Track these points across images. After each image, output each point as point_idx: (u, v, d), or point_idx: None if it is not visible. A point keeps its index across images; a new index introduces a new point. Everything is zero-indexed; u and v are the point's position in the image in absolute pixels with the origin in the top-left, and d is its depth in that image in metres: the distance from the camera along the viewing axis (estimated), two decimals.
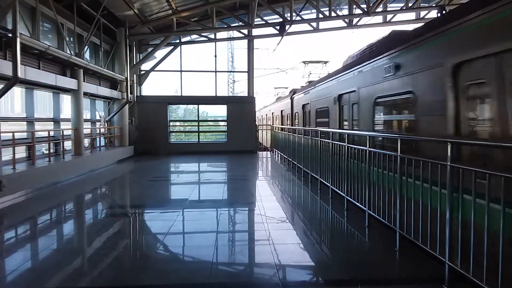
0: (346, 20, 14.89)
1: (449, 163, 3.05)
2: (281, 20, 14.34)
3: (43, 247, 4.61)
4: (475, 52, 3.48)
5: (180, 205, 6.75)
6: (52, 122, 10.92)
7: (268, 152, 17.71)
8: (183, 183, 9.77)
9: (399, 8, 15.28)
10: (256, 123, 18.40)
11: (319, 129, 8.17)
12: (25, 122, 9.58)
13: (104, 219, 6.21)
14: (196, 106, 17.57)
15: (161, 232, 4.98)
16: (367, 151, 4.87)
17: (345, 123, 8.03)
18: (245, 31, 16.28)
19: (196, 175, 11.46)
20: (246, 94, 17.42)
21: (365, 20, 14.67)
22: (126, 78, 14.59)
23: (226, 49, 18.94)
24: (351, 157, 5.60)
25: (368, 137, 4.94)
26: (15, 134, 7.91)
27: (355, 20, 14.81)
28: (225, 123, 17.26)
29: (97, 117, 13.98)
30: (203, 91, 17.23)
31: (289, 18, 14.15)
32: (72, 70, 10.94)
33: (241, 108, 16.88)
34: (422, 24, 5.96)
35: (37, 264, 4.03)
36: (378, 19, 15.65)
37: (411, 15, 15.97)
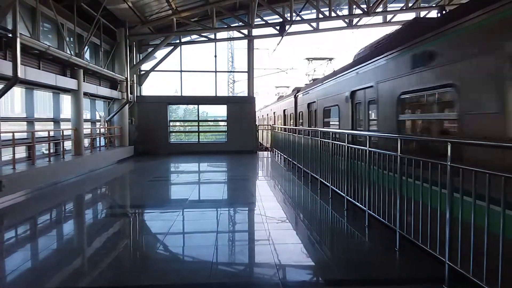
0: (346, 20, 14.89)
1: (449, 163, 3.05)
2: (281, 20, 14.34)
3: (43, 247, 4.61)
4: None
5: (180, 205, 6.75)
6: (52, 122, 10.91)
7: (268, 152, 17.70)
8: (183, 183, 9.77)
9: (399, 8, 15.28)
10: (257, 123, 18.38)
11: (319, 129, 8.17)
12: (25, 122, 9.58)
13: (104, 219, 6.21)
14: (196, 106, 17.57)
15: (161, 232, 4.98)
16: (367, 151, 4.87)
17: (360, 123, 7.21)
18: (245, 31, 16.29)
19: (196, 175, 11.46)
20: (246, 94, 17.43)
21: (365, 20, 14.68)
22: (126, 78, 14.60)
23: (226, 49, 18.97)
24: (351, 157, 5.60)
25: (368, 137, 4.94)
26: (15, 134, 7.91)
27: (355, 20, 14.82)
28: (225, 123, 17.27)
29: (97, 117, 13.98)
30: (203, 91, 17.24)
31: (289, 18, 14.15)
32: (72, 70, 10.94)
33: (241, 108, 16.88)
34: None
35: (37, 264, 4.03)
36: (378, 19, 15.66)
37: (411, 15, 15.96)
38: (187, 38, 16.99)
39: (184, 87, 17.09)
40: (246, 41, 17.16)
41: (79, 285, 3.37)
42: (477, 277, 2.71)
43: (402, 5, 14.95)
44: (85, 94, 11.66)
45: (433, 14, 14.91)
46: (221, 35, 17.20)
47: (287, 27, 14.21)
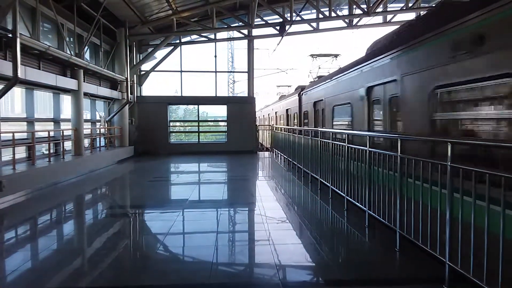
0: (346, 20, 14.90)
1: (449, 163, 3.04)
2: (281, 20, 14.34)
3: (43, 247, 4.61)
4: None
5: (180, 205, 6.75)
6: (52, 123, 10.92)
7: (269, 153, 17.70)
8: (183, 184, 9.77)
9: (399, 8, 15.28)
10: (257, 123, 18.30)
11: (319, 129, 8.16)
12: (25, 123, 9.58)
13: (104, 220, 6.21)
14: (196, 106, 17.58)
15: (161, 232, 4.98)
16: (367, 151, 4.86)
17: (377, 123, 6.37)
18: (245, 31, 16.29)
19: (196, 175, 11.46)
20: (246, 95, 17.43)
21: (365, 20, 14.68)
22: (126, 79, 14.60)
23: (226, 49, 18.97)
24: (351, 157, 5.59)
25: (368, 137, 4.94)
26: (15, 134, 7.91)
27: (355, 21, 14.82)
28: (225, 124, 17.27)
29: (97, 118, 13.98)
30: (203, 92, 17.25)
31: (289, 18, 14.15)
32: (72, 70, 10.94)
33: (241, 109, 16.89)
34: None
35: (37, 264, 4.02)
36: (378, 19, 15.66)
37: (411, 16, 15.96)
38: (187, 38, 16.99)
39: (184, 87, 17.10)
40: (246, 41, 17.17)
41: (79, 285, 3.38)
42: (477, 277, 2.71)
43: (402, 5, 14.95)
44: (85, 94, 11.66)
45: None
46: (221, 35, 17.21)
47: (287, 27, 14.21)
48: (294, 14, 14.09)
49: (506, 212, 2.54)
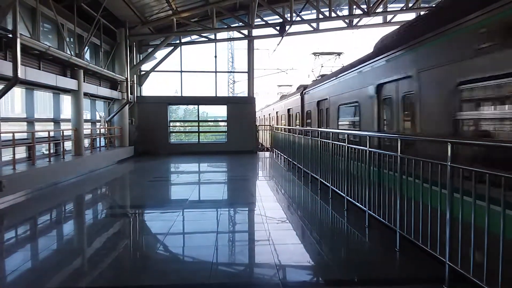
0: (346, 20, 14.90)
1: (449, 163, 3.04)
2: (281, 20, 14.34)
3: (43, 247, 4.61)
4: None
5: (180, 205, 6.75)
6: (52, 123, 10.92)
7: (269, 153, 17.70)
8: (183, 184, 9.77)
9: (399, 9, 15.29)
10: (257, 123, 18.24)
11: (319, 129, 8.17)
12: (25, 123, 9.59)
13: (104, 220, 6.21)
14: (196, 106, 17.59)
15: (161, 233, 4.98)
16: (367, 151, 4.86)
17: (389, 123, 5.86)
18: (245, 32, 16.29)
19: (196, 175, 11.46)
20: (246, 95, 17.43)
21: (365, 20, 14.68)
22: (126, 79, 14.60)
23: (226, 49, 18.98)
24: (351, 157, 5.59)
25: (368, 137, 4.94)
26: (15, 134, 7.92)
27: (355, 21, 14.82)
28: (225, 124, 17.27)
29: (97, 118, 13.98)
30: (203, 92, 17.25)
31: (289, 19, 14.15)
32: (72, 70, 10.95)
33: (241, 109, 16.89)
34: None
35: (37, 264, 4.02)
36: (378, 19, 15.66)
37: (412, 16, 15.97)
38: (187, 39, 17.00)
39: (184, 87, 17.11)
40: (246, 41, 17.17)
41: (79, 285, 3.38)
42: (477, 277, 2.71)
43: (402, 5, 14.95)
44: (85, 94, 11.66)
45: None
46: (221, 35, 17.21)
47: (287, 27, 14.21)
48: (294, 14, 14.10)
49: (506, 212, 2.54)
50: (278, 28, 14.39)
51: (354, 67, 7.30)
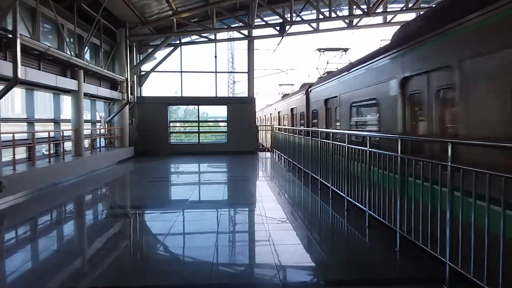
0: (346, 20, 14.91)
1: (449, 164, 3.04)
2: (281, 20, 14.35)
3: (44, 248, 4.60)
4: None
5: (180, 205, 6.75)
6: (52, 123, 10.92)
7: (269, 153, 17.70)
8: (183, 184, 9.77)
9: (399, 9, 15.30)
10: (258, 123, 18.17)
11: (319, 130, 8.16)
12: (25, 123, 9.59)
13: (104, 220, 6.20)
14: (196, 106, 17.59)
15: (161, 233, 4.98)
16: (367, 151, 4.86)
17: (418, 123, 4.95)
18: (245, 32, 16.30)
19: (196, 175, 11.46)
20: (246, 95, 17.43)
21: (365, 20, 14.69)
22: (126, 79, 14.61)
23: (226, 49, 18.99)
24: (352, 158, 5.58)
25: (368, 137, 4.94)
26: (16, 135, 7.91)
27: (355, 21, 14.83)
28: (225, 124, 17.27)
29: (98, 118, 13.98)
30: (203, 92, 17.25)
31: (289, 19, 14.16)
32: (72, 71, 10.95)
33: (241, 109, 16.89)
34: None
35: (38, 265, 4.02)
36: (378, 19, 15.66)
37: (412, 16, 15.98)
38: (187, 39, 17.00)
39: (184, 87, 17.12)
40: (246, 41, 17.17)
41: (79, 286, 3.38)
42: (477, 277, 2.71)
43: (402, 5, 14.95)
44: (85, 94, 11.66)
45: None
46: (221, 35, 17.22)
47: (287, 27, 14.22)
48: (294, 14, 14.10)
49: (506, 212, 2.53)
50: (278, 28, 14.39)
51: (371, 60, 6.47)
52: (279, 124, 19.41)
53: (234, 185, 9.31)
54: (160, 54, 16.75)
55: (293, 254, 4.18)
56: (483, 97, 3.55)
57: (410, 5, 14.43)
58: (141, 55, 16.65)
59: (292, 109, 15.99)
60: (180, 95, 17.08)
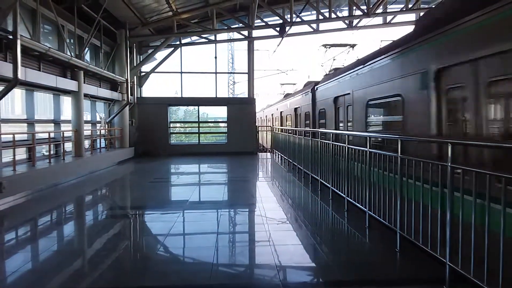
0: (346, 21, 14.92)
1: (449, 164, 3.04)
2: (281, 21, 14.36)
3: (44, 248, 4.60)
4: None
5: (180, 206, 6.75)
6: (53, 124, 10.93)
7: (269, 154, 17.70)
8: (183, 185, 9.77)
9: (399, 10, 15.31)
10: (259, 124, 18.11)
11: (319, 130, 8.16)
12: (25, 124, 9.59)
13: (104, 221, 6.20)
14: (196, 107, 17.60)
15: (161, 234, 4.98)
16: (367, 152, 4.86)
17: (455, 124, 4.05)
18: (245, 33, 16.31)
19: (197, 176, 11.46)
20: (246, 96, 17.44)
21: (365, 21, 14.70)
22: (127, 80, 14.62)
23: (226, 50, 18.96)
24: (352, 158, 5.58)
25: (368, 137, 4.94)
26: (16, 135, 7.92)
27: (355, 22, 14.84)
28: (225, 125, 17.28)
29: (98, 119, 13.99)
30: (203, 93, 17.26)
31: (289, 20, 14.17)
32: (73, 71, 10.96)
33: (241, 110, 16.90)
34: None
35: (38, 265, 4.02)
36: (378, 20, 15.68)
37: (411, 17, 16.00)
38: (187, 40, 17.02)
39: (184, 88, 17.13)
40: (246, 42, 17.18)
41: (79, 287, 3.38)
42: (477, 278, 2.71)
43: (402, 6, 14.97)
44: (86, 95, 11.66)
45: None
46: (221, 36, 17.23)
47: (287, 28, 14.23)
48: (294, 15, 14.12)
49: (506, 212, 2.54)
50: (278, 29, 14.41)
51: (392, 50, 5.51)
52: (281, 125, 18.63)
53: (234, 185, 9.30)
54: (160, 55, 16.78)
55: (293, 255, 4.18)
56: None
57: (410, 6, 14.45)
58: (141, 56, 16.66)
59: (295, 109, 15.07)
60: (180, 96, 17.10)
